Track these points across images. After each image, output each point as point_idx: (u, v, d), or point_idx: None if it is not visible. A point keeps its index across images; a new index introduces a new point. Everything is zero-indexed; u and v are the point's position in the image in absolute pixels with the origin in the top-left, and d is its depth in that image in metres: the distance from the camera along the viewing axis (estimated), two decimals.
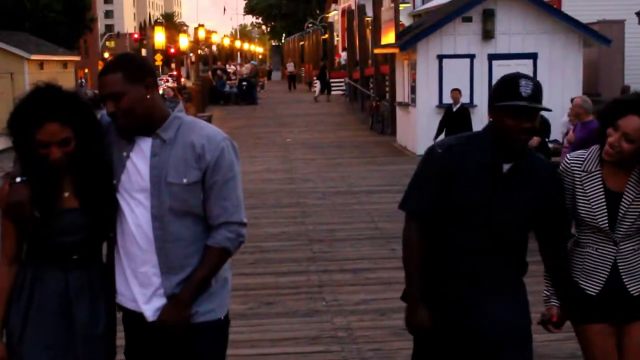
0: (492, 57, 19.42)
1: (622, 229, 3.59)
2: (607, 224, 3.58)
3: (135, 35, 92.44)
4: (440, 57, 19.57)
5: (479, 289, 3.44)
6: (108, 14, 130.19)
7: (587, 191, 3.59)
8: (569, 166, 3.66)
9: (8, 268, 3.29)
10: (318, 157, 19.98)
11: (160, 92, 22.93)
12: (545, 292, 3.80)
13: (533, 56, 19.24)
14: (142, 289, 3.27)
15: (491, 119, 3.40)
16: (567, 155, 3.78)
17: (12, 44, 35.92)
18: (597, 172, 3.60)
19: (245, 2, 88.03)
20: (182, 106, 3.38)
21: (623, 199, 3.57)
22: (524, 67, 19.13)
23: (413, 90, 20.19)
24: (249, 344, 6.41)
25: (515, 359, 3.45)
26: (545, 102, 3.39)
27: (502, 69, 19.09)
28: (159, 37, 47.41)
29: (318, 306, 7.54)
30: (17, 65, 35.26)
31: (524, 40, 19.42)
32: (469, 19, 19.51)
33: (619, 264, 3.62)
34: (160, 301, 3.25)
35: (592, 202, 3.59)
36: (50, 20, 46.56)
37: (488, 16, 19.31)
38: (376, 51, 27.01)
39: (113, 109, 3.14)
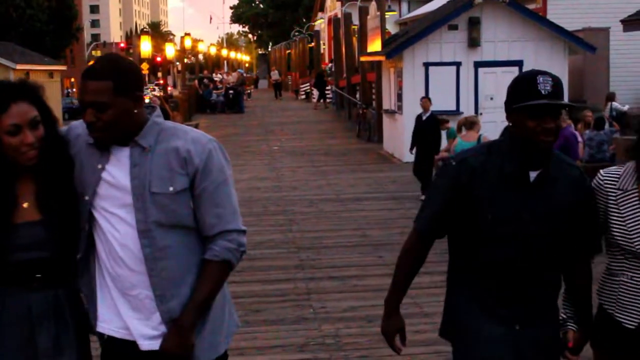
0: (478, 65, 19.56)
1: None
2: None
3: (122, 45, 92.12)
4: (427, 65, 19.65)
5: (511, 309, 3.09)
6: (94, 24, 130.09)
7: (623, 212, 3.18)
8: (602, 184, 3.24)
9: None
10: (305, 165, 19.99)
11: (147, 101, 22.80)
12: (561, 314, 3.32)
13: (519, 63, 19.25)
14: (135, 313, 2.89)
15: (510, 124, 3.06)
16: (601, 172, 3.31)
17: None
18: (634, 191, 3.18)
19: (232, 10, 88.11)
20: (159, 111, 3.02)
21: None
22: (510, 74, 19.17)
23: (399, 97, 20.24)
24: (237, 352, 6.39)
25: None
26: None
27: (488, 76, 19.35)
28: (145, 46, 47.35)
29: (306, 313, 7.53)
30: (2, 75, 34.76)
31: (509, 47, 19.52)
32: (454, 27, 19.59)
33: None
34: (156, 328, 2.88)
35: (628, 223, 3.16)
36: (37, 29, 46.49)
37: (474, 24, 19.43)
38: (362, 59, 27.04)
39: (93, 119, 2.78)
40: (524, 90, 2.95)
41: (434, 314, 6.77)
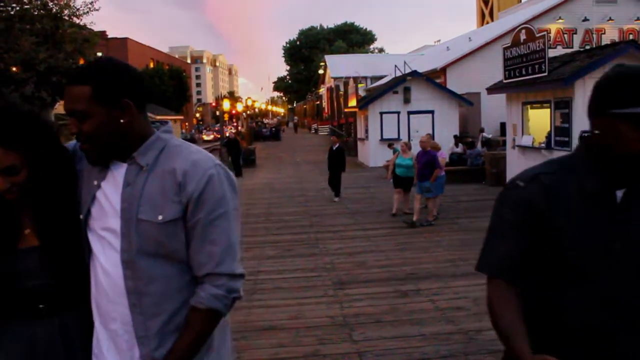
0: (409, 113, 19.35)
1: None
2: None
3: (213, 104, 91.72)
4: (381, 113, 19.45)
5: (609, 355, 1.35)
6: (198, 92, 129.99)
7: None
8: None
9: None
10: (314, 169, 19.78)
11: (227, 134, 22.09)
12: None
13: (432, 112, 19.21)
14: (114, 350, 1.49)
15: (596, 132, 1.34)
16: None
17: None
18: None
19: (273, 84, 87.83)
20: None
21: None
22: (427, 119, 19.27)
23: (367, 131, 20.12)
24: (277, 272, 6.40)
25: None
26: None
27: (414, 119, 19.26)
28: (226, 104, 46.98)
29: (315, 251, 7.47)
30: None
31: (427, 103, 19.29)
32: (396, 92, 19.43)
33: None
34: None
35: None
36: (167, 96, 46.88)
37: (407, 90, 19.25)
38: (346, 110, 27.03)
39: (75, 130, 1.44)
40: (631, 92, 1.26)
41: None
